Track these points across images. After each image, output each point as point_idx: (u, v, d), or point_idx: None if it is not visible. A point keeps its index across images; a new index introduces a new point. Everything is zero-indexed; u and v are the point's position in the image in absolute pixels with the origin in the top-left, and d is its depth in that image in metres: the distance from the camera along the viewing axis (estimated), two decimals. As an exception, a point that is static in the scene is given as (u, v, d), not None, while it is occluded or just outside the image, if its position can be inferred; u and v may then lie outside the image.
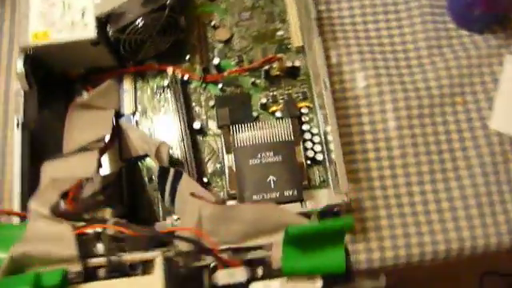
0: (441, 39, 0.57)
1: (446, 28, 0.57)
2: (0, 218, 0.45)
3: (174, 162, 0.51)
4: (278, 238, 0.34)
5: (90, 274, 0.30)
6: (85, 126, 0.48)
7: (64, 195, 0.36)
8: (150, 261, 0.31)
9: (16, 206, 0.39)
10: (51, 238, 0.30)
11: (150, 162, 0.51)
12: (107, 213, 0.48)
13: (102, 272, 0.30)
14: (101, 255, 0.31)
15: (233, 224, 0.35)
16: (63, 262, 0.30)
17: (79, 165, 0.39)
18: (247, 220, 0.35)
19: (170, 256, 0.32)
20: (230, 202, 0.49)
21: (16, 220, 0.38)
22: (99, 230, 0.30)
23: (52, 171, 0.38)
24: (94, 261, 0.30)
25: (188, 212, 0.36)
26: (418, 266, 0.51)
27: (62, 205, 0.43)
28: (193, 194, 0.37)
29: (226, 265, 0.32)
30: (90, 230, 0.31)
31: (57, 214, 0.33)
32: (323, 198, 0.50)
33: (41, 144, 0.47)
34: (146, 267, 0.31)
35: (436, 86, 0.54)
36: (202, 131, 0.52)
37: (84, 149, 0.42)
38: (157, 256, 0.30)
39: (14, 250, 0.30)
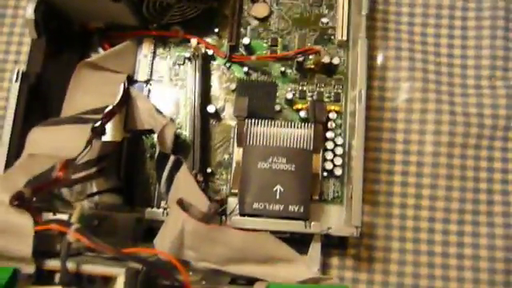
0: (509, 61, 0.48)
1: (517, 48, 0.49)
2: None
3: (179, 143, 0.47)
4: (266, 271, 0.30)
5: (45, 277, 0.27)
6: (91, 88, 0.44)
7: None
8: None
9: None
10: (6, 231, 0.27)
11: (156, 138, 0.47)
12: (100, 183, 0.45)
13: (57, 277, 0.27)
14: (58, 254, 0.27)
15: (217, 246, 0.31)
16: (16, 260, 0.26)
17: (66, 140, 0.35)
18: (234, 246, 0.31)
19: (139, 270, 0.28)
20: (232, 199, 0.45)
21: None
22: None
23: (36, 142, 0.35)
24: (51, 264, 0.27)
25: (171, 220, 0.33)
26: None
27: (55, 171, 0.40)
28: (180, 202, 0.33)
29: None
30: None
31: (30, 192, 0.30)
32: (333, 216, 0.45)
33: (44, 103, 0.44)
34: (107, 280, 0.27)
35: (490, 115, 0.47)
36: (217, 115, 0.48)
37: (80, 119, 0.38)
38: (119, 274, 0.27)
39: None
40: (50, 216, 0.29)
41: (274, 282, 0.25)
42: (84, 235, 0.26)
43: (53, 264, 0.27)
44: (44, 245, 0.28)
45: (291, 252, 0.32)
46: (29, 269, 0.27)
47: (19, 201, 0.28)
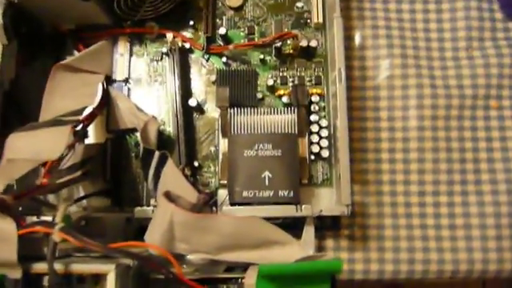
0: (484, 31, 0.49)
1: (491, 18, 0.49)
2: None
3: (164, 139, 0.46)
4: (260, 256, 0.29)
5: (33, 281, 0.27)
6: (67, 91, 0.43)
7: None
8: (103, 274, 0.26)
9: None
10: (-11, 237, 0.26)
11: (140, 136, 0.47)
12: (87, 187, 0.44)
13: (46, 280, 0.26)
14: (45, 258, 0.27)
15: (208, 235, 0.31)
16: (1, 266, 0.26)
17: (46, 143, 0.34)
18: (225, 233, 0.30)
19: (131, 266, 0.27)
20: (222, 191, 0.45)
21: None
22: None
23: (15, 147, 0.34)
24: (38, 267, 0.26)
25: (159, 213, 0.32)
26: (418, 283, 0.46)
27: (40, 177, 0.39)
28: (167, 194, 0.32)
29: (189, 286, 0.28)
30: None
31: (11, 198, 0.29)
32: (324, 199, 0.45)
33: (21, 110, 0.43)
34: (97, 279, 0.27)
35: (470, 85, 0.47)
36: (199, 108, 0.47)
37: (58, 122, 0.37)
38: (109, 271, 0.26)
39: None
40: (33, 219, 0.28)
41: (265, 264, 0.25)
42: (69, 234, 0.26)
43: (40, 267, 0.27)
44: (30, 249, 0.27)
45: (283, 234, 0.31)
46: (15, 274, 0.26)
47: (0, 207, 0.27)
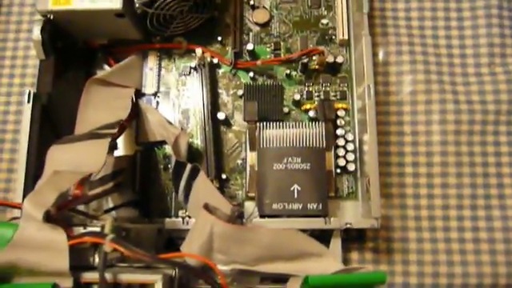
0: (506, 47, 0.50)
1: (513, 34, 0.50)
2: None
3: (192, 152, 0.47)
4: (296, 267, 0.30)
5: (83, 290, 0.28)
6: (101, 104, 0.44)
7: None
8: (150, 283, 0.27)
9: (19, 194, 0.37)
10: (42, 247, 0.27)
11: (168, 149, 0.48)
12: (116, 198, 0.45)
13: (95, 289, 0.27)
14: (95, 267, 0.27)
15: (247, 246, 0.31)
16: (53, 275, 0.27)
17: (87, 156, 0.35)
18: (263, 244, 0.31)
19: (173, 276, 0.28)
20: (248, 203, 0.45)
21: (18, 212, 0.34)
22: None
23: (57, 159, 0.35)
24: (88, 276, 0.27)
25: (199, 224, 0.33)
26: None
27: (71, 188, 0.40)
28: (206, 206, 0.33)
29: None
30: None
31: (55, 210, 0.30)
32: (349, 212, 0.45)
33: (55, 121, 0.44)
34: (144, 288, 0.28)
35: (492, 101, 0.48)
36: (227, 122, 0.48)
37: (95, 135, 0.38)
38: (156, 280, 0.27)
39: (-2, 257, 0.27)
40: (80, 230, 0.29)
41: (311, 276, 0.25)
42: (120, 244, 0.26)
43: (89, 276, 0.27)
44: (76, 259, 0.28)
45: (319, 246, 0.32)
46: (67, 283, 0.27)
47: (49, 218, 0.28)
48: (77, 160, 0.35)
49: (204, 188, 0.38)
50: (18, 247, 0.27)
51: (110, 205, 0.45)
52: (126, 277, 0.27)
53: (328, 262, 0.31)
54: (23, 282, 0.27)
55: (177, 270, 0.29)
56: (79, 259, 0.29)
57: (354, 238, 0.46)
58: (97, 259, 0.29)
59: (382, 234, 0.46)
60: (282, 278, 0.32)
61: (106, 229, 0.28)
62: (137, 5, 0.44)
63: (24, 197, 0.35)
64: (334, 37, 0.50)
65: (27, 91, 0.41)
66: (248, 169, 0.45)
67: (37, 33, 0.42)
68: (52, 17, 0.44)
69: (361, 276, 0.27)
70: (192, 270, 0.28)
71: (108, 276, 0.27)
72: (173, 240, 0.44)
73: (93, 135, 0.38)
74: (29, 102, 0.41)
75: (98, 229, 0.29)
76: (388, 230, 0.46)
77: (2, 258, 0.27)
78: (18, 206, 0.33)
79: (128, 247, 0.26)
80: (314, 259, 0.31)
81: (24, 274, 0.27)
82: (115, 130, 0.39)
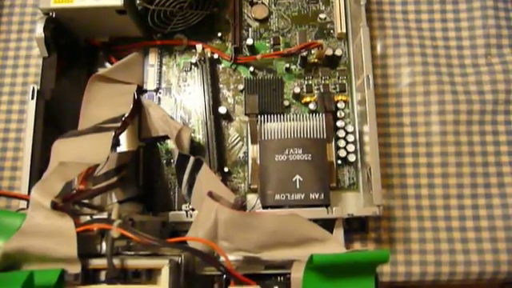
0: (502, 38, 0.50)
1: (508, 25, 0.51)
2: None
3: (195, 146, 0.48)
4: (300, 253, 0.30)
5: (91, 276, 0.28)
6: (104, 100, 0.44)
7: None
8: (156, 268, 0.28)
9: (24, 186, 0.37)
10: (50, 234, 0.27)
11: (170, 144, 0.48)
12: (119, 193, 0.46)
13: (103, 275, 0.28)
14: (102, 255, 0.28)
15: (251, 232, 0.32)
16: (61, 262, 0.27)
17: (91, 148, 0.36)
18: (267, 230, 0.32)
19: (179, 263, 0.29)
20: (251, 196, 0.46)
21: (24, 204, 0.35)
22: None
23: (62, 152, 0.35)
24: (95, 262, 0.28)
25: (204, 212, 0.33)
26: (445, 285, 0.47)
27: (75, 183, 0.41)
28: (211, 194, 0.34)
29: (240, 281, 0.29)
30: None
31: (61, 201, 0.30)
32: (351, 203, 0.46)
33: (58, 117, 0.44)
34: (150, 274, 0.28)
35: (490, 91, 0.49)
36: (228, 116, 0.49)
37: (99, 128, 0.39)
38: (163, 265, 0.27)
39: (8, 245, 0.27)
40: (87, 218, 0.30)
41: (316, 254, 0.26)
42: (127, 229, 0.27)
43: (97, 263, 0.28)
44: (83, 248, 0.29)
45: (322, 231, 0.33)
46: (75, 269, 0.27)
47: (60, 200, 0.28)
48: (82, 152, 0.35)
49: (207, 179, 0.39)
50: (27, 235, 0.28)
51: (114, 200, 0.46)
52: (133, 262, 0.28)
53: (331, 246, 0.32)
54: (32, 268, 0.27)
55: (183, 257, 0.30)
56: (86, 247, 0.29)
57: (356, 229, 0.46)
58: (104, 247, 0.29)
59: (383, 224, 0.47)
60: (286, 266, 0.32)
61: (112, 215, 0.29)
62: (138, 1, 0.44)
63: (29, 190, 0.35)
64: (332, 31, 0.50)
65: (31, 87, 0.42)
66: (250, 161, 0.46)
67: (40, 31, 0.43)
68: (54, 15, 0.44)
69: (364, 254, 0.27)
70: (200, 254, 0.28)
71: (115, 262, 0.28)
72: (177, 233, 0.44)
73: (97, 129, 0.39)
74: (33, 98, 0.42)
75: (105, 216, 0.29)
76: (390, 220, 0.47)
77: (12, 246, 0.27)
78: (25, 198, 0.34)
79: (135, 232, 0.27)
80: (318, 244, 0.32)
81: (33, 260, 0.28)
82: (119, 124, 0.40)
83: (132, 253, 0.31)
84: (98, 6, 0.43)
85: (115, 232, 0.27)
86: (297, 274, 0.28)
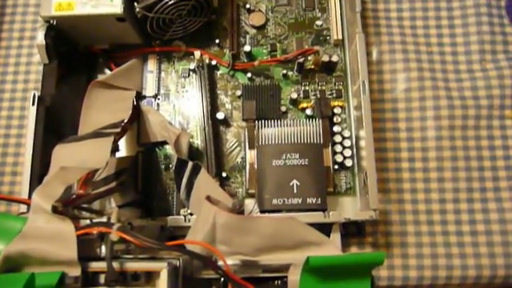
0: (496, 44, 0.51)
1: (503, 32, 0.52)
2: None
3: (193, 151, 0.48)
4: (297, 256, 0.31)
5: (90, 279, 0.28)
6: (103, 106, 0.45)
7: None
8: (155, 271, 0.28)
9: (25, 191, 0.37)
10: (51, 237, 0.28)
11: (169, 149, 0.49)
12: (118, 198, 0.46)
13: (102, 278, 0.28)
14: (102, 258, 0.28)
15: (249, 236, 0.32)
16: (62, 265, 0.28)
17: (91, 153, 0.36)
18: (265, 234, 0.32)
19: (177, 266, 0.29)
20: (248, 201, 0.46)
21: (24, 208, 0.35)
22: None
23: (63, 157, 0.36)
24: (95, 265, 0.28)
25: (202, 216, 0.34)
26: (442, 289, 0.47)
27: (75, 188, 0.41)
28: (209, 198, 0.34)
29: (238, 284, 0.29)
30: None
31: (61, 205, 0.31)
32: (348, 207, 0.46)
33: (58, 122, 0.45)
34: (149, 277, 0.28)
35: (485, 96, 0.49)
36: (226, 122, 0.49)
37: (99, 134, 0.39)
38: (162, 268, 0.28)
39: (9, 248, 0.27)
40: (87, 222, 0.30)
41: (312, 256, 0.26)
42: (127, 233, 0.27)
43: (97, 266, 0.28)
44: (83, 251, 0.29)
45: (319, 235, 0.33)
46: (75, 271, 0.28)
47: (61, 204, 0.29)
48: (82, 157, 0.36)
49: (206, 184, 0.39)
50: (29, 238, 0.28)
51: (113, 205, 0.46)
52: (132, 265, 0.28)
53: (328, 249, 0.32)
54: (33, 271, 0.27)
55: (181, 261, 0.30)
56: (86, 250, 0.30)
57: (353, 233, 0.47)
58: (103, 250, 0.29)
59: (380, 228, 0.47)
60: (283, 270, 0.33)
61: (112, 219, 0.29)
62: (137, 9, 0.45)
63: (30, 194, 0.36)
64: (328, 37, 0.51)
65: (32, 94, 0.42)
66: (247, 166, 0.46)
67: (41, 38, 0.44)
68: (55, 22, 0.45)
69: (360, 256, 0.28)
70: (199, 257, 0.28)
71: (115, 265, 0.28)
72: (175, 238, 0.45)
73: (97, 134, 0.39)
74: (33, 104, 0.42)
75: (104, 220, 0.30)
76: (386, 225, 0.47)
77: (13, 249, 0.28)
78: (25, 202, 0.34)
79: (134, 235, 0.27)
80: (315, 247, 0.32)
81: (34, 263, 0.28)
82: (118, 130, 0.40)
83: (131, 256, 0.31)
84: (99, 13, 0.44)
85: (114, 235, 0.27)
86: (294, 276, 0.28)
